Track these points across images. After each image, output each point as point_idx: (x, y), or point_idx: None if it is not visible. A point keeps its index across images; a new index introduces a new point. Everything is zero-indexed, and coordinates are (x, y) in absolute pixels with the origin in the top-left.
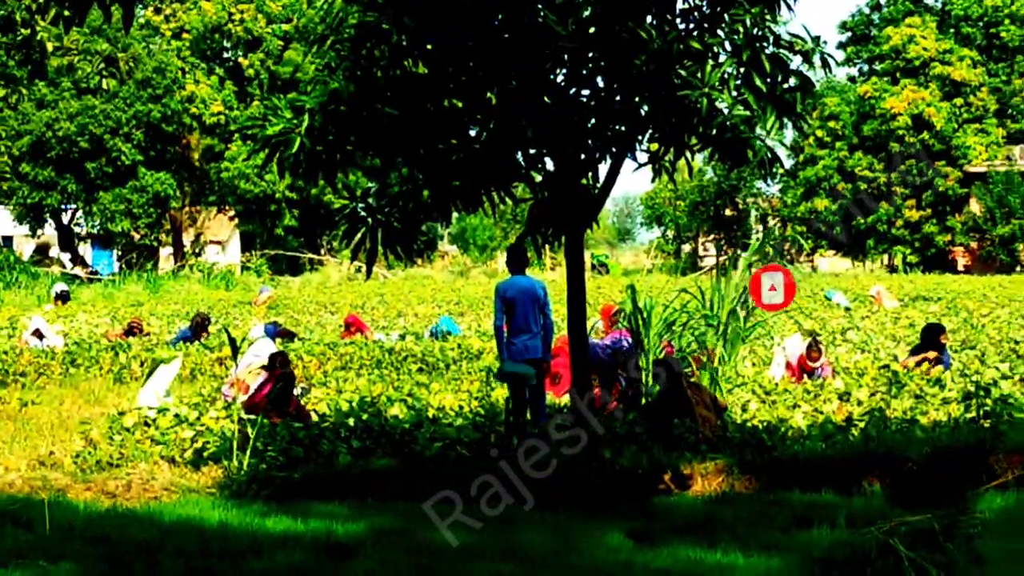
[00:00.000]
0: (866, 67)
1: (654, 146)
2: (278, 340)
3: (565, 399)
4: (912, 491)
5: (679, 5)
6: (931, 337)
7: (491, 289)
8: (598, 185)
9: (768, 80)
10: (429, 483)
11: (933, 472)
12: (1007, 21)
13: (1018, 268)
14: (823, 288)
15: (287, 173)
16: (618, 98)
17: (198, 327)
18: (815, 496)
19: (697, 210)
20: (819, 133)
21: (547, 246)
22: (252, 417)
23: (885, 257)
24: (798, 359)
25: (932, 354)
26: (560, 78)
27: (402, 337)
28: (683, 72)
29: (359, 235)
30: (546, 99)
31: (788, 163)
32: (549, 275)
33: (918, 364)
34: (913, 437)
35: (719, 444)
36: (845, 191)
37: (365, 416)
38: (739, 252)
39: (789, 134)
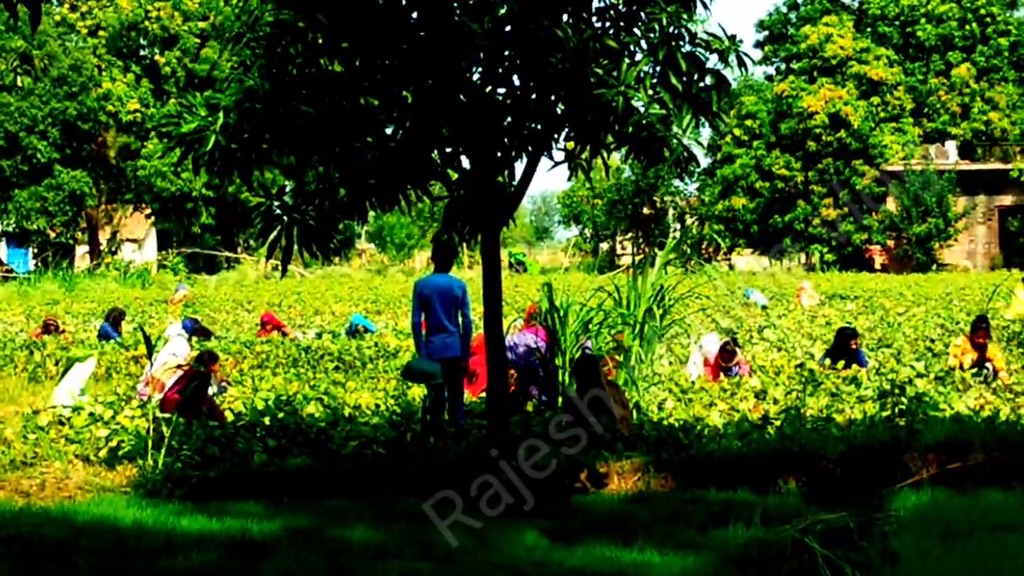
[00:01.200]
0: (783, 66)
1: (570, 144)
2: (193, 338)
3: (482, 397)
4: (828, 489)
5: (595, 3)
6: (843, 341)
7: (409, 287)
8: (514, 183)
9: (684, 79)
10: (345, 482)
11: (849, 470)
12: (923, 20)
13: (934, 267)
14: (740, 286)
15: (203, 171)
16: (534, 96)
17: (116, 321)
18: (731, 494)
19: (614, 208)
20: (736, 132)
21: (464, 244)
22: (167, 416)
23: (802, 256)
24: (714, 358)
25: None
26: (476, 76)
27: (319, 335)
28: (599, 70)
29: (275, 233)
30: (462, 97)
31: (705, 162)
32: (467, 273)
33: None
34: (829, 435)
35: (635, 442)
36: (763, 189)
37: (281, 415)
38: (656, 250)
39: (706, 133)
